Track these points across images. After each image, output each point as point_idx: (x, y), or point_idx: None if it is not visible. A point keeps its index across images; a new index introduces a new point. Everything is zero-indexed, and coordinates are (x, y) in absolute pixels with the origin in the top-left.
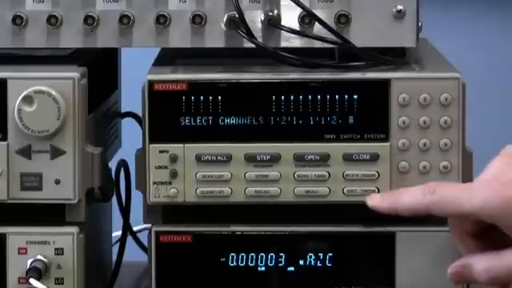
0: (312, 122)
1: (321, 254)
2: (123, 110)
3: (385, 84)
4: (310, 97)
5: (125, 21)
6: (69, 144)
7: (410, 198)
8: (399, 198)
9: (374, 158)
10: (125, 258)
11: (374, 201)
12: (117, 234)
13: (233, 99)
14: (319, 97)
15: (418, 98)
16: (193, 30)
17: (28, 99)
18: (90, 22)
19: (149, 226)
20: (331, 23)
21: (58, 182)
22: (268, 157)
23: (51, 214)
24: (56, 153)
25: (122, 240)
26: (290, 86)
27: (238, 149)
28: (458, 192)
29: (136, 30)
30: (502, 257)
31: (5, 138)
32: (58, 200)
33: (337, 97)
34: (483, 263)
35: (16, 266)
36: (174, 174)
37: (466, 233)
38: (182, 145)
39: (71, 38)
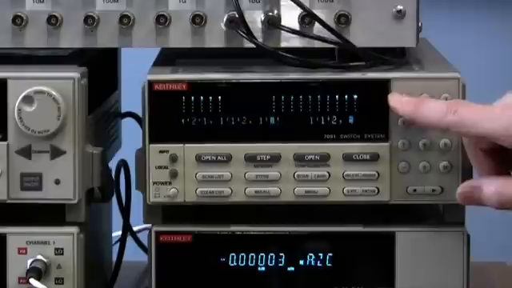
0: (312, 122)
1: (321, 254)
2: (123, 110)
3: (385, 84)
4: (309, 97)
5: (125, 21)
6: (69, 144)
7: (432, 113)
8: (421, 109)
9: (374, 158)
10: (125, 258)
11: (397, 102)
12: (117, 234)
13: (233, 99)
14: (319, 97)
15: None
16: (193, 30)
17: (28, 99)
18: (90, 22)
19: (149, 226)
20: (331, 23)
21: (57, 182)
22: (268, 157)
23: (51, 214)
24: (56, 153)
25: (122, 240)
26: (289, 86)
27: (238, 149)
28: (480, 115)
29: (136, 30)
30: (511, 180)
31: (5, 138)
32: (58, 200)
33: (337, 97)
34: (494, 186)
35: (16, 266)
36: (174, 174)
37: (480, 148)
38: (181, 145)
39: (71, 38)
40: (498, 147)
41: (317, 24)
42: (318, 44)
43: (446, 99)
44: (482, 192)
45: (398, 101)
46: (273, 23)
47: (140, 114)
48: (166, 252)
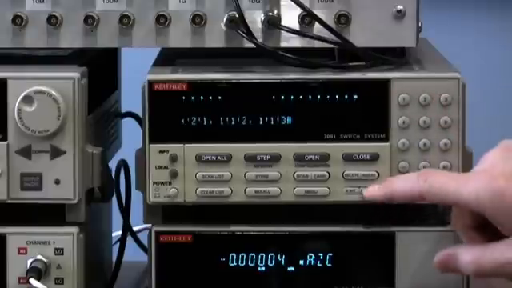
0: (312, 122)
1: (321, 254)
2: (123, 110)
3: (385, 84)
4: (309, 97)
5: (125, 21)
6: (69, 144)
7: (404, 184)
8: (393, 186)
9: (374, 157)
10: (125, 258)
11: (370, 191)
12: (117, 234)
13: (233, 99)
14: (319, 97)
15: (417, 98)
16: (193, 30)
17: (28, 99)
18: (90, 22)
19: (149, 226)
20: (331, 23)
21: (57, 182)
22: (268, 157)
23: (51, 214)
24: (56, 153)
25: (122, 240)
26: (289, 86)
27: (238, 149)
28: (450, 181)
29: (136, 30)
30: (488, 250)
31: (5, 138)
32: (58, 200)
33: (337, 97)
34: (469, 255)
35: (16, 266)
36: (174, 174)
37: (468, 225)
38: (181, 145)
39: (71, 38)
40: (483, 223)
41: (317, 24)
42: (318, 44)
43: (446, 99)
44: (457, 260)
45: (370, 190)
46: (273, 23)
47: (140, 114)
48: (166, 252)
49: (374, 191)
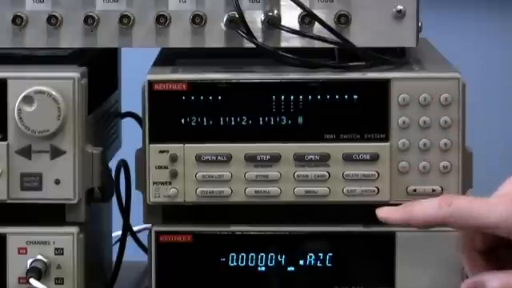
0: (312, 122)
1: (321, 254)
2: (123, 110)
3: (385, 84)
4: (309, 97)
5: (125, 21)
6: (69, 144)
7: (424, 210)
8: (413, 210)
9: (374, 157)
10: (125, 258)
11: (385, 212)
12: (117, 234)
13: (233, 99)
14: (319, 97)
15: (417, 98)
16: (193, 30)
17: (28, 99)
18: (90, 22)
19: (149, 226)
20: (331, 23)
21: (57, 182)
22: (268, 157)
23: (51, 214)
24: (56, 153)
25: (122, 240)
26: (289, 86)
27: (238, 149)
28: (476, 205)
29: (136, 30)
30: None
31: (5, 138)
32: (58, 200)
33: (337, 97)
34: (497, 281)
35: (16, 266)
36: (174, 174)
37: (475, 249)
38: (181, 145)
39: (71, 38)
40: (494, 244)
41: (317, 24)
42: (318, 44)
43: (446, 99)
44: (485, 287)
45: (385, 211)
46: (273, 23)
47: (140, 114)
48: (166, 252)
49: (389, 213)
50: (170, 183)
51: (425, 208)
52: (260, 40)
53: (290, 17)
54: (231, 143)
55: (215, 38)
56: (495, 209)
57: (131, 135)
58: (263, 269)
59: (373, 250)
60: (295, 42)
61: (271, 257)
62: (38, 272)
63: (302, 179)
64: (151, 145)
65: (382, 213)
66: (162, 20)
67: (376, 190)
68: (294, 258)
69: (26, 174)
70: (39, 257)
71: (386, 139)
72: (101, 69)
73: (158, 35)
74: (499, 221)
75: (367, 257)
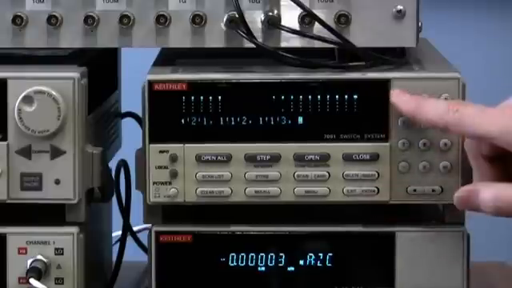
0: (312, 122)
1: (321, 254)
2: (123, 110)
3: (385, 84)
4: (309, 97)
5: (125, 21)
6: (69, 144)
7: (433, 110)
8: (422, 107)
9: (374, 158)
10: (125, 258)
11: (399, 99)
12: (117, 234)
13: (233, 99)
14: (319, 97)
15: None
16: (193, 30)
17: (28, 99)
18: (90, 22)
19: (149, 226)
20: (331, 23)
21: (57, 182)
22: (268, 157)
23: (51, 214)
24: (56, 153)
25: (122, 240)
26: (289, 86)
27: (238, 149)
28: (480, 114)
29: (136, 30)
30: (510, 187)
31: (5, 138)
32: (58, 200)
33: (337, 97)
34: (491, 191)
35: (16, 266)
36: (174, 174)
37: (481, 154)
38: (181, 145)
39: (71, 38)
40: (499, 155)
41: (317, 24)
42: (318, 44)
43: (446, 99)
44: (478, 197)
45: (399, 98)
46: (273, 23)
47: (140, 114)
48: (166, 252)
49: (401, 101)
50: (170, 183)
51: (433, 108)
52: (260, 40)
53: (290, 17)
54: (231, 143)
55: (215, 37)
56: (495, 121)
57: (131, 135)
58: (263, 269)
59: (373, 250)
60: (295, 41)
61: (271, 257)
62: (38, 272)
63: (302, 179)
64: (151, 145)
65: (395, 98)
66: (162, 20)
67: (376, 189)
68: (294, 258)
69: (26, 174)
70: (39, 257)
71: (386, 139)
72: (101, 69)
73: (158, 35)
74: (497, 133)
75: (367, 257)
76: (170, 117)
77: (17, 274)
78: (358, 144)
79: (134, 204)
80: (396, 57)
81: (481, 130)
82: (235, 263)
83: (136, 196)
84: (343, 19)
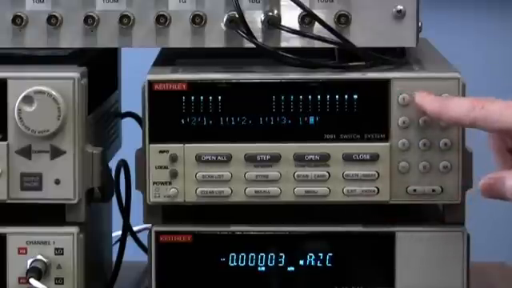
0: (312, 122)
1: (321, 254)
2: (123, 110)
3: (385, 84)
4: (309, 97)
5: (125, 21)
6: (69, 144)
7: (459, 108)
8: (448, 106)
9: (374, 158)
10: (125, 258)
11: (423, 100)
12: (117, 234)
13: (233, 99)
14: (319, 97)
15: None
16: (193, 30)
17: (28, 99)
18: (90, 22)
19: (149, 226)
20: (331, 23)
21: (57, 182)
22: (268, 157)
23: (51, 214)
24: (56, 153)
25: (122, 240)
26: (289, 86)
27: (238, 149)
28: (507, 109)
29: (136, 30)
30: None
31: (5, 138)
32: (58, 200)
33: (337, 97)
34: None
35: (16, 266)
36: (174, 174)
37: (506, 148)
38: (181, 145)
39: (71, 38)
40: None
41: (317, 24)
42: (318, 44)
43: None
44: (504, 184)
45: (424, 99)
46: (273, 23)
47: (140, 114)
48: (166, 252)
49: (426, 102)
50: (170, 183)
51: (458, 106)
52: (260, 40)
53: (290, 17)
54: (231, 143)
55: (215, 37)
56: None
57: (131, 135)
58: (263, 269)
59: (373, 250)
60: (295, 42)
61: (271, 257)
62: (38, 272)
63: (302, 179)
64: (151, 145)
65: (420, 99)
66: (162, 20)
67: (376, 189)
68: (294, 258)
69: (26, 174)
70: (39, 257)
71: (386, 139)
72: (101, 69)
73: (158, 35)
74: None
75: (367, 257)
76: (169, 117)
77: (17, 274)
78: (358, 144)
79: (133, 204)
80: (396, 57)
81: (508, 124)
82: (235, 263)
83: (136, 196)
84: (343, 19)
